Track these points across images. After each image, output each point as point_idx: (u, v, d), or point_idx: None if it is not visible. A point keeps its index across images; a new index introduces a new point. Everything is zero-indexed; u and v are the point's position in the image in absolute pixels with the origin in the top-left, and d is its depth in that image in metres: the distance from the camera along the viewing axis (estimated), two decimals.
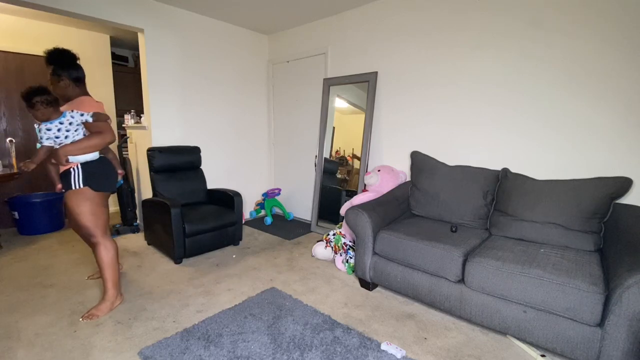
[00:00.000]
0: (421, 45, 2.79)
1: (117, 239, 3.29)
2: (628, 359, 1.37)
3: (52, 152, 1.83)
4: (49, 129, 1.78)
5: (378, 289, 2.33)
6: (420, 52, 2.81)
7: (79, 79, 1.96)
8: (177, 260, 2.71)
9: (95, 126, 1.88)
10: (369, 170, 3.11)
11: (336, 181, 3.51)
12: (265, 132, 4.29)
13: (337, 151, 3.52)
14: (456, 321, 1.95)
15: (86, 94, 2.00)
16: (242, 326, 1.85)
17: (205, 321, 1.89)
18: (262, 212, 4.16)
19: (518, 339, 1.75)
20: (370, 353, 1.64)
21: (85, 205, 1.90)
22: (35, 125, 1.82)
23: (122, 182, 2.91)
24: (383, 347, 1.67)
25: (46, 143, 1.81)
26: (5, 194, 3.55)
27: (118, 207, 3.53)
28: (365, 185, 2.89)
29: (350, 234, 2.70)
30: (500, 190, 2.26)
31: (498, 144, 2.47)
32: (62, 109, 1.89)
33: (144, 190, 3.53)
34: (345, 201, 3.10)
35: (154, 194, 3.02)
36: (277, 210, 4.31)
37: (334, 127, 3.53)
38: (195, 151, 3.30)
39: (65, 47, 1.96)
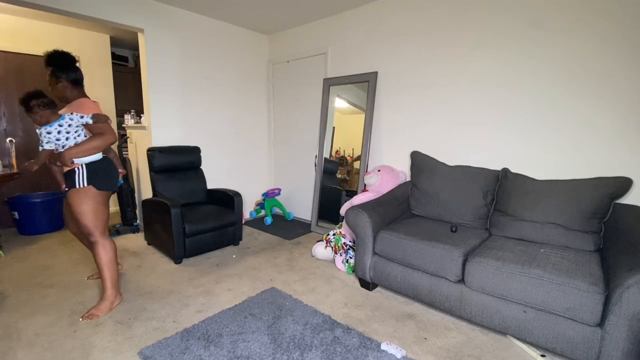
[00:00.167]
0: (421, 45, 2.79)
1: (117, 239, 3.29)
2: (628, 359, 1.37)
3: (56, 155, 1.86)
4: (49, 132, 1.80)
5: (378, 289, 2.33)
6: (420, 52, 2.81)
7: (77, 81, 1.99)
8: (177, 260, 2.71)
9: (96, 128, 1.91)
10: (369, 170, 3.11)
11: (336, 181, 3.51)
12: (265, 132, 4.29)
13: (337, 151, 3.52)
14: (456, 321, 1.95)
15: (84, 95, 2.03)
16: (242, 326, 1.85)
17: (205, 321, 1.89)
18: (262, 212, 4.16)
19: (518, 339, 1.75)
20: (370, 353, 1.64)
21: (88, 204, 1.93)
22: (37, 131, 1.84)
23: (122, 181, 2.91)
24: (383, 347, 1.67)
25: (47, 147, 1.83)
26: (5, 194, 3.55)
27: (118, 207, 3.53)
28: (365, 185, 2.89)
29: (350, 234, 2.70)
30: (500, 190, 2.26)
31: (498, 144, 2.47)
32: (61, 111, 1.91)
33: (144, 190, 3.53)
34: (345, 201, 3.10)
35: (154, 194, 3.02)
36: (277, 210, 4.31)
37: (334, 127, 3.53)
38: (195, 151, 3.30)
39: (65, 47, 1.98)
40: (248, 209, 4.12)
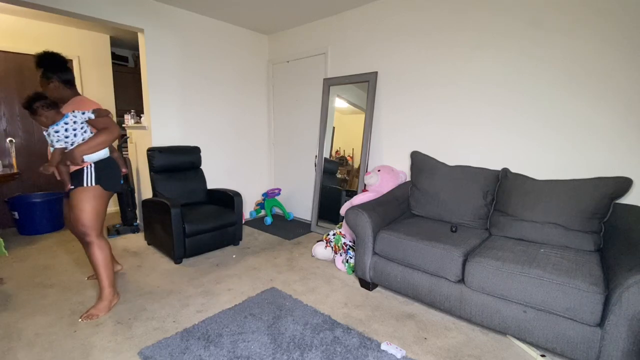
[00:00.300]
0: (421, 45, 2.79)
1: (117, 239, 3.29)
2: (628, 359, 1.36)
3: (66, 153, 1.87)
4: (57, 131, 1.82)
5: (378, 289, 2.33)
6: (420, 52, 2.81)
7: (69, 81, 2.01)
8: (177, 260, 2.71)
9: (100, 122, 1.93)
10: (369, 170, 3.11)
11: (336, 181, 3.51)
12: (265, 132, 4.29)
13: (337, 151, 3.52)
14: (456, 321, 1.95)
15: (77, 94, 2.04)
16: (242, 326, 1.85)
17: (205, 321, 1.89)
18: (262, 212, 4.16)
19: (518, 339, 1.75)
20: (370, 353, 1.64)
21: (92, 204, 1.95)
22: (45, 133, 1.85)
23: (121, 181, 2.92)
24: (383, 347, 1.67)
25: (57, 145, 1.84)
26: (5, 194, 3.55)
27: (118, 207, 3.53)
28: (365, 185, 2.89)
29: (350, 234, 2.70)
30: (500, 190, 2.26)
31: (498, 144, 2.47)
32: (63, 110, 1.91)
33: (144, 190, 3.53)
34: (345, 201, 3.10)
35: (154, 194, 3.02)
36: (277, 210, 4.31)
37: (334, 127, 3.53)
38: (195, 151, 3.30)
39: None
40: (248, 209, 4.12)
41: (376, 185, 2.76)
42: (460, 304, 1.84)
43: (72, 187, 1.92)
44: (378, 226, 2.24)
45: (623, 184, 1.86)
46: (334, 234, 2.76)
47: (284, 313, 1.98)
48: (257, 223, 3.88)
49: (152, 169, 3.03)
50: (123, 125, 3.79)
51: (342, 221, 2.91)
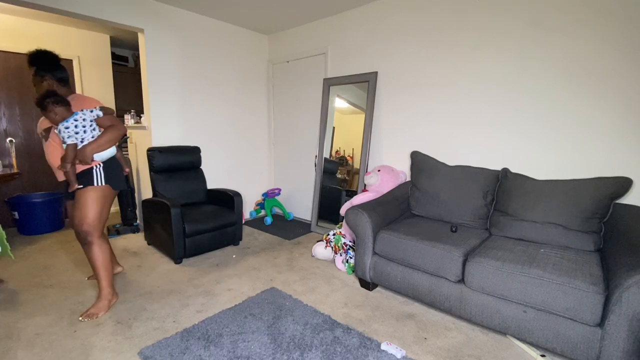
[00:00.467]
0: (421, 45, 2.79)
1: (117, 238, 3.29)
2: (628, 359, 1.37)
3: (77, 152, 1.88)
4: (67, 127, 1.83)
5: (378, 289, 2.33)
6: (420, 52, 2.81)
7: (63, 80, 1.99)
8: (177, 260, 2.71)
9: (107, 119, 1.96)
10: (369, 170, 3.11)
11: (336, 181, 3.51)
12: (265, 132, 4.29)
13: (337, 151, 3.52)
14: (456, 321, 1.95)
15: (72, 93, 2.04)
16: (242, 326, 1.85)
17: (205, 321, 1.89)
18: (262, 212, 4.16)
19: (518, 339, 1.75)
20: (370, 353, 1.64)
21: (99, 203, 1.97)
22: (56, 131, 1.86)
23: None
24: (383, 347, 1.67)
25: (69, 141, 1.85)
26: (5, 194, 3.55)
27: (118, 207, 3.53)
28: (365, 185, 2.89)
29: (350, 234, 2.70)
30: (500, 190, 2.26)
31: (498, 144, 2.47)
32: None
33: (144, 190, 3.53)
34: (345, 201, 3.10)
35: (154, 194, 3.02)
36: (277, 210, 4.31)
37: (334, 127, 3.53)
38: (195, 151, 3.30)
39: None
40: (248, 209, 4.12)
41: (376, 185, 2.76)
42: (460, 304, 1.84)
43: (81, 186, 1.93)
44: (378, 226, 2.24)
45: (623, 184, 1.86)
46: (334, 234, 2.76)
47: (284, 313, 1.98)
48: (257, 223, 3.88)
49: (152, 169, 3.03)
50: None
51: (342, 221, 2.91)
